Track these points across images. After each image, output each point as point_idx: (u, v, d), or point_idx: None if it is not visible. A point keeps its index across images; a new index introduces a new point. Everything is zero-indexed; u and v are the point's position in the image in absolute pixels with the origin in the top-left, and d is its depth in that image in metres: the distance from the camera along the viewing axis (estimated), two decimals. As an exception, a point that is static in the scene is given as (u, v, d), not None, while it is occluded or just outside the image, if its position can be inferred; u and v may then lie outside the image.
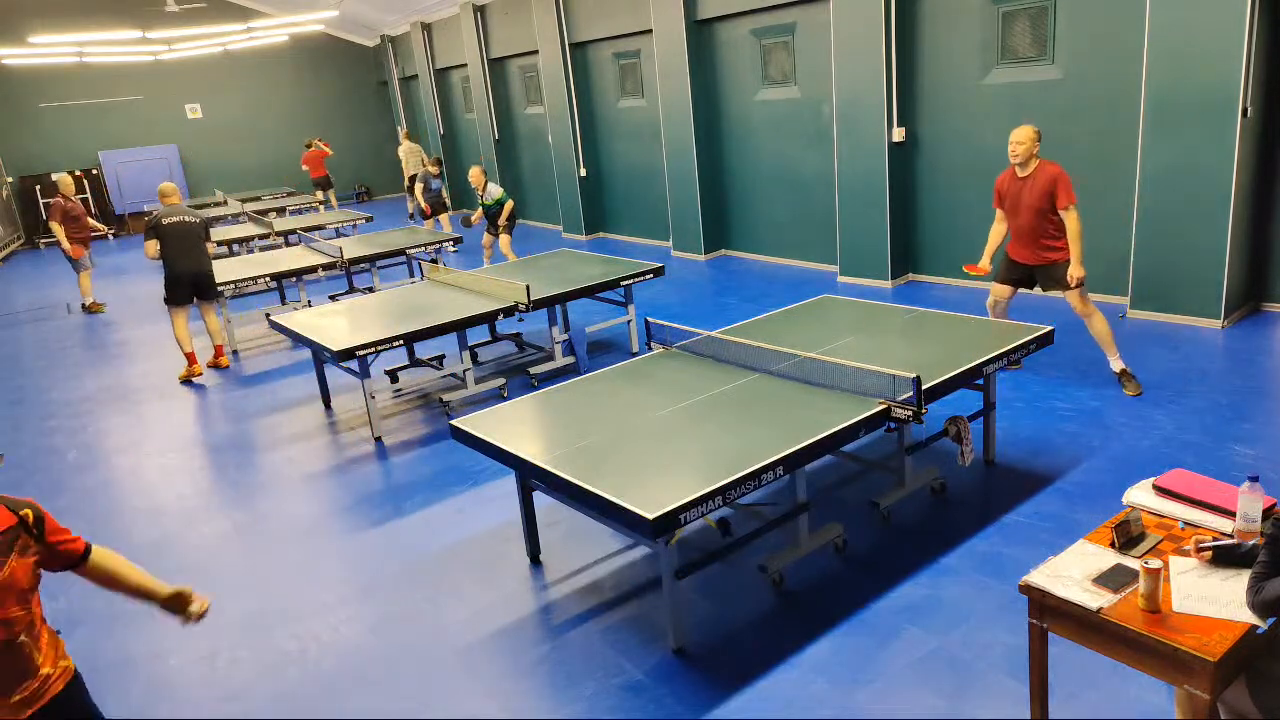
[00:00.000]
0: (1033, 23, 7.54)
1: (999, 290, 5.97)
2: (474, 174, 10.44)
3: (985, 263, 5.90)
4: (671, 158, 11.26)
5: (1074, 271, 5.47)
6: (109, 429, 7.00)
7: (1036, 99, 7.64)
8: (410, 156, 16.34)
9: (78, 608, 4.35)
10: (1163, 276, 6.88)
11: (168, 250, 7.81)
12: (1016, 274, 5.86)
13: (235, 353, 8.80)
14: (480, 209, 10.51)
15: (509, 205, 10.33)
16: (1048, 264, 5.65)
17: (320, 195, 17.21)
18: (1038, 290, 6.02)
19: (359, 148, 21.05)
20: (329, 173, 17.45)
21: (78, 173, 18.21)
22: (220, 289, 8.34)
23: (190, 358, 8.05)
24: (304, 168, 17.61)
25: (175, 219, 7.80)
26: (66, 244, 10.84)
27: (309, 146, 17.53)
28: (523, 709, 3.34)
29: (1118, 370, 5.69)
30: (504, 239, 10.34)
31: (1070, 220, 5.43)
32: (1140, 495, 2.86)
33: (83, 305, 11.44)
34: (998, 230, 5.90)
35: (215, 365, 8.31)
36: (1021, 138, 5.50)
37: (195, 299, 8.09)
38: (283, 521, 5.11)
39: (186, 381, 8.02)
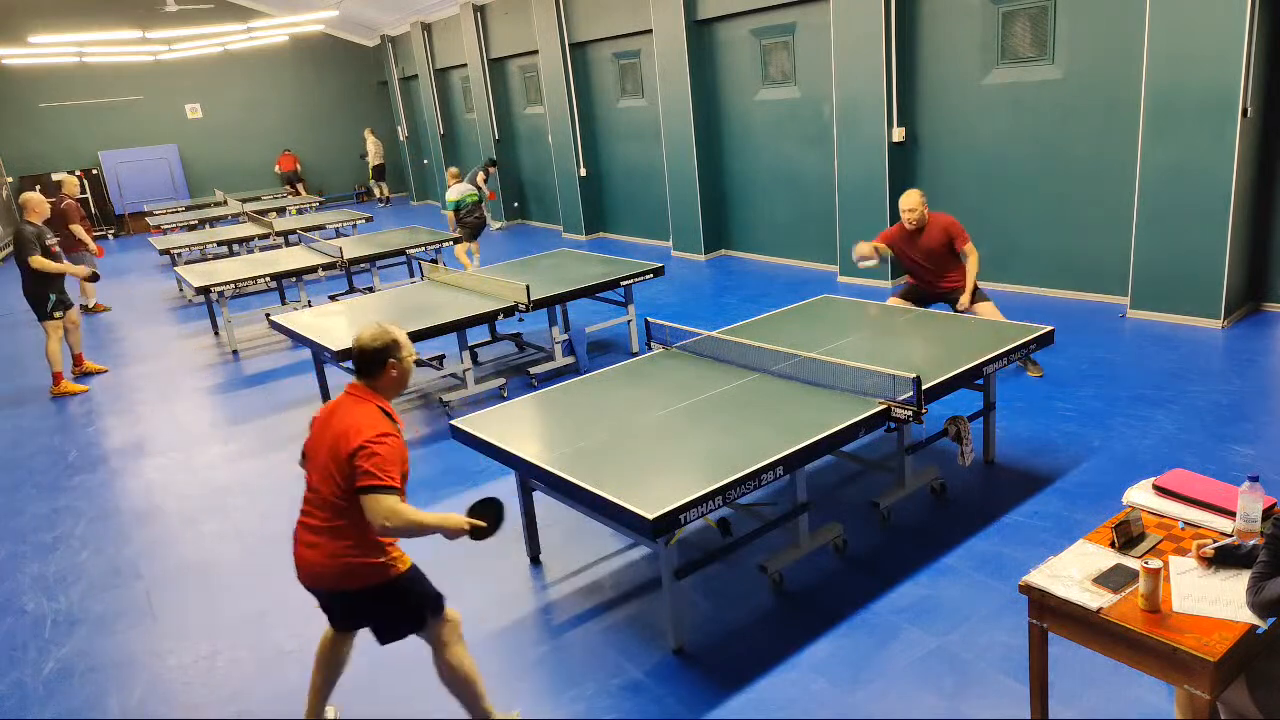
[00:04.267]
0: (1033, 23, 7.54)
1: (897, 303, 6.14)
2: (450, 175, 10.59)
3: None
4: (671, 158, 11.26)
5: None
6: (109, 428, 7.00)
7: (1036, 99, 7.64)
8: (375, 151, 19.99)
9: (77, 608, 4.36)
10: (1163, 276, 6.88)
11: None
12: (920, 297, 6.20)
13: (235, 353, 8.81)
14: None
15: (451, 215, 10.44)
16: (950, 290, 6.07)
17: (290, 190, 19.64)
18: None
19: (359, 148, 21.05)
20: (296, 169, 20.10)
21: (78, 173, 18.22)
22: (51, 312, 7.81)
23: (77, 358, 8.35)
24: (277, 168, 20.05)
25: (7, 242, 7.76)
26: (93, 245, 10.75)
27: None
28: (523, 709, 3.34)
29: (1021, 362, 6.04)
30: (458, 246, 10.27)
31: (972, 258, 5.96)
32: (1140, 495, 2.85)
33: (86, 307, 11.43)
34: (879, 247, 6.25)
35: (53, 394, 7.97)
36: (913, 204, 5.91)
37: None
38: (283, 521, 5.10)
39: (77, 377, 8.22)
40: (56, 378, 7.98)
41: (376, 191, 20.35)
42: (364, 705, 3.46)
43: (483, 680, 3.11)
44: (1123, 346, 6.51)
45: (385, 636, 3.09)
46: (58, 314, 7.88)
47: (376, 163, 20.05)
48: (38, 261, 7.57)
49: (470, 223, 10.55)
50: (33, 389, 8.23)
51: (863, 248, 6.14)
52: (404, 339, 3.09)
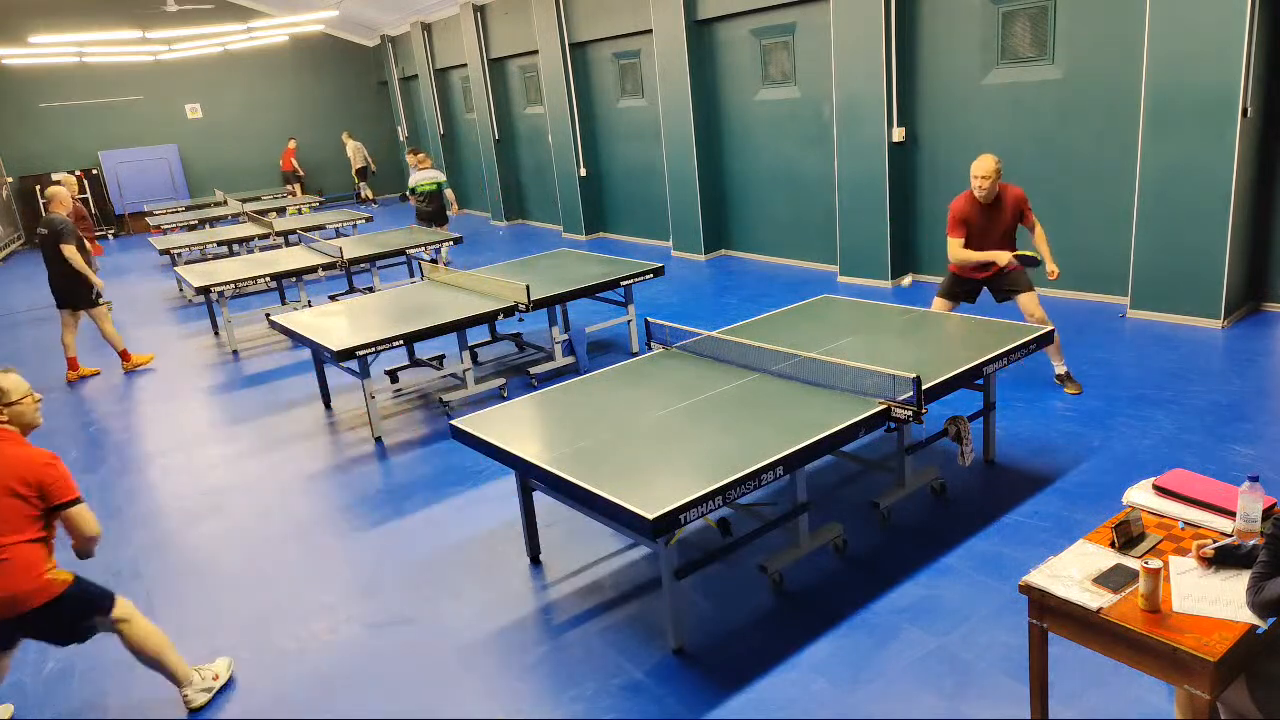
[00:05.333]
0: (1033, 23, 7.54)
1: (941, 305, 5.74)
2: (419, 160, 11.31)
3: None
4: (671, 158, 11.26)
5: (1052, 269, 5.49)
6: (109, 428, 7.00)
7: (1036, 99, 7.64)
8: (355, 153, 19.89)
9: (78, 608, 4.35)
10: (1163, 276, 6.88)
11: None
12: (964, 289, 5.75)
13: (235, 353, 8.81)
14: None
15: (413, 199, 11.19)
16: (1002, 274, 5.60)
17: (290, 190, 19.71)
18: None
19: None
20: (295, 168, 19.82)
21: (78, 173, 18.23)
22: (95, 298, 8.18)
23: (70, 362, 8.34)
24: (281, 164, 20.01)
25: (41, 229, 7.97)
26: (89, 244, 10.79)
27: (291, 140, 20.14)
28: (523, 709, 3.34)
29: (1060, 374, 5.76)
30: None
31: (1039, 228, 5.58)
32: (1140, 495, 2.85)
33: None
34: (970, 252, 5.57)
35: (126, 369, 8.43)
36: (987, 171, 5.32)
37: (71, 307, 8.17)
38: (283, 521, 5.11)
39: (71, 384, 8.29)
40: (124, 355, 8.38)
41: (363, 193, 20.27)
42: (370, 698, 3.47)
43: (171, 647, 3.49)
44: (1123, 346, 6.51)
45: (67, 638, 3.37)
46: (101, 300, 8.18)
47: (358, 165, 20.00)
48: (69, 251, 7.77)
49: (423, 210, 11.07)
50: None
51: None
52: (13, 386, 3.33)
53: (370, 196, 20.35)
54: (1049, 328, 4.70)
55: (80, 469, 6.17)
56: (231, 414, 7.07)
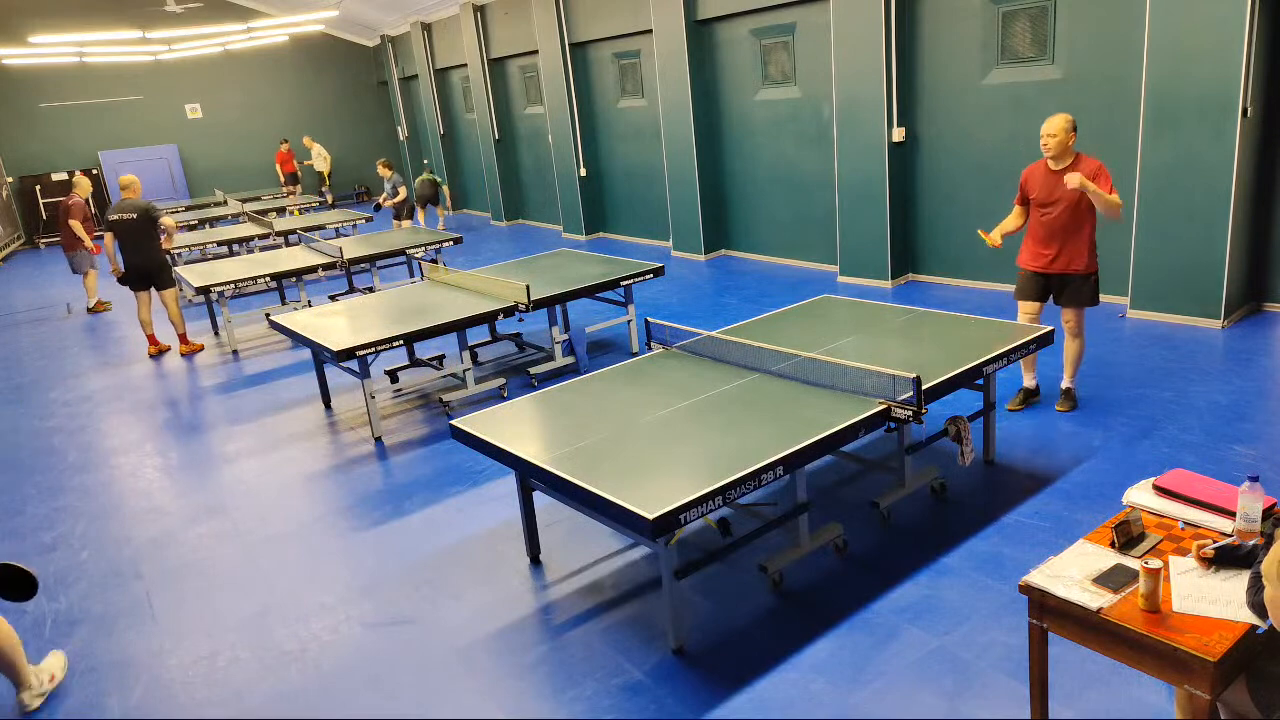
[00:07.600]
0: (1033, 23, 7.54)
1: (1027, 308, 5.33)
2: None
3: (996, 236, 5.37)
4: (671, 158, 11.26)
5: (1071, 178, 4.81)
6: (109, 429, 7.00)
7: (1036, 99, 7.64)
8: (319, 157, 19.72)
9: (77, 608, 4.36)
10: (1163, 276, 6.88)
11: (119, 242, 8.59)
12: (1038, 285, 5.23)
13: (235, 353, 8.81)
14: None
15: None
16: (1068, 274, 5.10)
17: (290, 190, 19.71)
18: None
19: (359, 148, 21.05)
20: (295, 169, 19.85)
21: (78, 172, 18.22)
22: (174, 277, 8.92)
23: (150, 339, 8.94)
24: (280, 167, 19.81)
25: (117, 215, 8.46)
26: (90, 242, 10.92)
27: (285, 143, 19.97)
28: (523, 709, 3.34)
29: (1064, 388, 5.49)
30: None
31: (1116, 195, 4.90)
32: (1140, 495, 2.85)
33: (87, 307, 11.43)
34: (1013, 220, 5.38)
35: (183, 353, 8.94)
36: (1054, 129, 4.93)
37: (151, 287, 8.74)
38: (283, 521, 5.11)
39: (154, 357, 8.93)
40: (182, 338, 8.88)
41: (328, 198, 19.81)
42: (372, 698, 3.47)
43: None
44: (1123, 346, 6.51)
45: None
46: (174, 282, 8.82)
47: (321, 169, 19.73)
48: (167, 221, 8.66)
49: (420, 194, 14.15)
50: (32, 387, 8.23)
51: (992, 238, 5.38)
52: None
53: (332, 202, 19.81)
54: (1048, 328, 4.65)
55: (80, 468, 6.18)
56: (231, 414, 7.06)
